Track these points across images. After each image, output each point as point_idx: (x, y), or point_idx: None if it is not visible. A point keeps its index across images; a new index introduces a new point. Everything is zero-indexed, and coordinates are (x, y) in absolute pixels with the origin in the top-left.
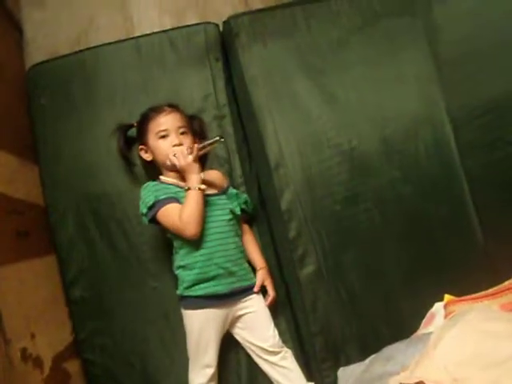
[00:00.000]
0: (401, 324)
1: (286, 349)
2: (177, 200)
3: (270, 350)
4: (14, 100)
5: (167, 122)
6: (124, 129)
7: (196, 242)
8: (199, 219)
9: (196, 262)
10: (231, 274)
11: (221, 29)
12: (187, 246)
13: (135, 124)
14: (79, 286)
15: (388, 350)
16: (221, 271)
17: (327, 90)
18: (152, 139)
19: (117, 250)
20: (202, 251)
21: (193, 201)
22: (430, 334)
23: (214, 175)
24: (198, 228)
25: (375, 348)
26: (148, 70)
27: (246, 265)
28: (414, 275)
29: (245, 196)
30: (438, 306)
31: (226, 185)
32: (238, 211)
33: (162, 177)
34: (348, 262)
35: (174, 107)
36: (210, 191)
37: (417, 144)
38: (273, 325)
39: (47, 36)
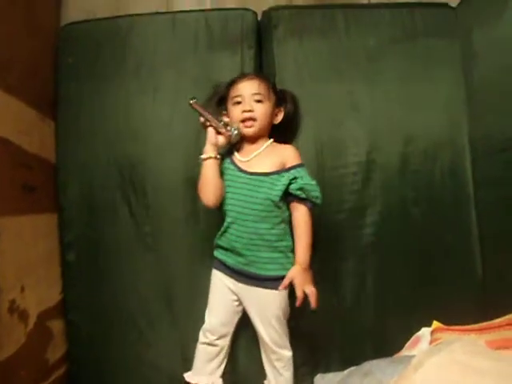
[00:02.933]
0: (386, 342)
1: (285, 352)
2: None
3: (273, 347)
4: (43, 55)
5: (243, 88)
6: (219, 91)
7: (222, 211)
8: (205, 190)
9: (221, 227)
10: (239, 255)
11: (259, 18)
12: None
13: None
14: (76, 249)
15: (368, 365)
16: (230, 247)
17: (355, 98)
18: (229, 104)
19: (119, 218)
20: (224, 221)
21: (202, 171)
22: (412, 356)
23: (279, 151)
24: (207, 198)
25: (356, 361)
26: (179, 47)
27: (271, 255)
28: (407, 296)
29: (301, 182)
30: (425, 331)
31: (290, 165)
32: (274, 198)
33: None
34: (344, 272)
35: (257, 75)
36: (259, 169)
37: (434, 167)
38: (279, 324)
39: None
